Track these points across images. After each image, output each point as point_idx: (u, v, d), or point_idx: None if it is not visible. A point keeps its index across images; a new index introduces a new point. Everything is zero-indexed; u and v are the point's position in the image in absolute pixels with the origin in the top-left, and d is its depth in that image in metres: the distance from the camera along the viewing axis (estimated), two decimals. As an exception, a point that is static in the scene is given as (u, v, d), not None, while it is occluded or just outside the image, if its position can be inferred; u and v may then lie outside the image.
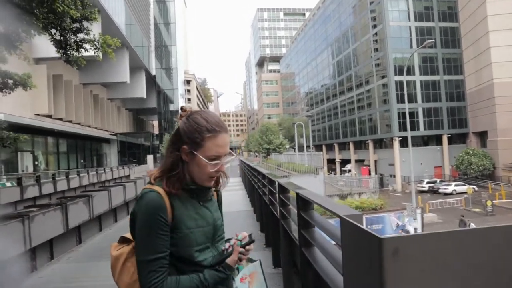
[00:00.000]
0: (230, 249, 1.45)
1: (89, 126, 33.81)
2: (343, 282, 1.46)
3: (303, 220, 2.39)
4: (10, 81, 10.67)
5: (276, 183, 3.88)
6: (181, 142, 1.38)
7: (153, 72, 50.64)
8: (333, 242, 1.88)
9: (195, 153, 1.36)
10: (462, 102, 49.71)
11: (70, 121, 28.88)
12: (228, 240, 1.52)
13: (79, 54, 9.48)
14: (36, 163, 24.84)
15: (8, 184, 16.81)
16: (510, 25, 41.64)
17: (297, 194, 2.51)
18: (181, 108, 1.46)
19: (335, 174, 51.27)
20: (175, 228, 1.33)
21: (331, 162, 68.40)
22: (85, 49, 9.49)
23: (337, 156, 66.04)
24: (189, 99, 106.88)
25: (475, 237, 0.90)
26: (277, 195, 3.89)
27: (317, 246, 2.09)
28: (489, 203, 29.02)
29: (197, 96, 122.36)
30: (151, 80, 49.40)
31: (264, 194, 5.66)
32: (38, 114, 25.01)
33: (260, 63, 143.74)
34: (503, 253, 0.89)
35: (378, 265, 0.93)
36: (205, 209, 1.43)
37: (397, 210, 21.76)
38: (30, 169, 23.47)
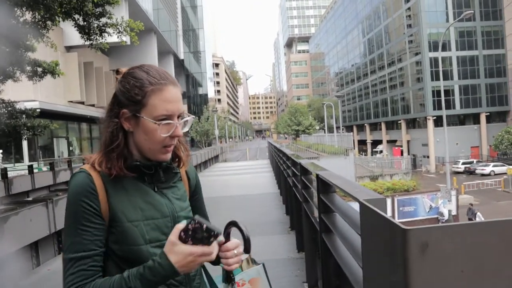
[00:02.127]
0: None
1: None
2: (362, 276, 1.27)
3: (323, 204, 2.18)
4: (39, 69, 10.85)
5: (299, 164, 3.67)
6: (119, 106, 1.07)
7: (181, 56, 50.98)
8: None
9: (139, 115, 1.04)
10: (502, 78, 47.05)
11: (102, 107, 29.53)
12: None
13: (102, 39, 9.48)
14: (70, 148, 25.65)
15: (44, 168, 17.50)
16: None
17: (317, 175, 2.30)
18: (117, 71, 1.14)
19: (366, 155, 50.21)
20: (113, 221, 1.03)
21: (362, 143, 67.14)
22: (108, 34, 9.47)
23: (368, 137, 64.72)
24: (218, 82, 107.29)
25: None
26: (299, 177, 3.68)
27: (336, 233, 1.88)
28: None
29: (226, 79, 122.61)
30: (179, 64, 49.77)
31: (288, 176, 5.47)
32: (71, 101, 25.67)
33: (289, 44, 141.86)
34: None
35: (402, 263, 0.74)
36: (160, 197, 1.11)
37: (431, 192, 21.03)
38: (66, 155, 24.27)
